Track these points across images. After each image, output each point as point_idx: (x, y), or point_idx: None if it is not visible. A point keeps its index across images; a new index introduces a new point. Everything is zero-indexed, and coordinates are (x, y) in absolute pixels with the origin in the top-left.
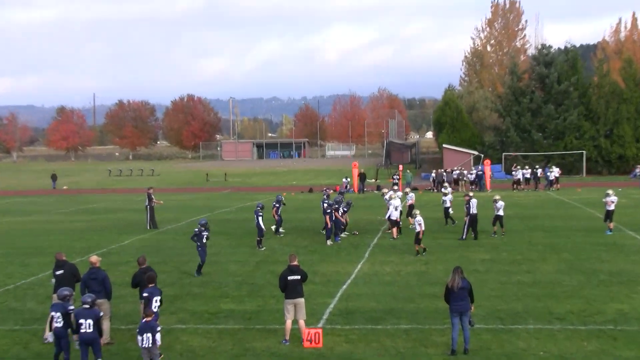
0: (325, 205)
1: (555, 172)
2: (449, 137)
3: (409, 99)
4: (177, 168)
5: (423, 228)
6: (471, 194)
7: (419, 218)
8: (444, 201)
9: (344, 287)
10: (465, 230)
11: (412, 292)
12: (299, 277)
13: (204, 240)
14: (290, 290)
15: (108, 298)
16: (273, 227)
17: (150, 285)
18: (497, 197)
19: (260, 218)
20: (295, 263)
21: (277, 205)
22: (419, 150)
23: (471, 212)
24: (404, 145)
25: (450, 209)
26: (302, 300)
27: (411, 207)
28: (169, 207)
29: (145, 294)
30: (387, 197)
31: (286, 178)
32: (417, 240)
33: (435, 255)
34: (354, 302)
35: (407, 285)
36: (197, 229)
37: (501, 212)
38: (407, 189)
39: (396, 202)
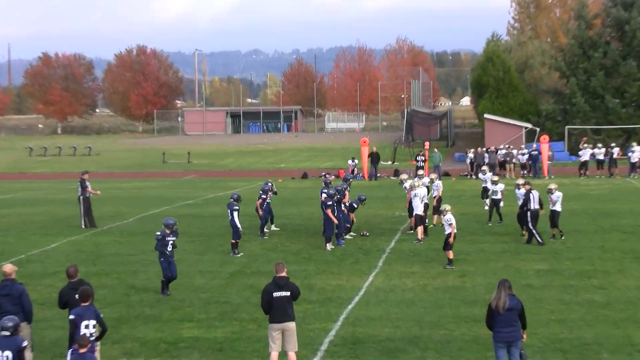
0: (325, 196)
1: (637, 152)
2: (493, 104)
3: (439, 52)
4: (123, 145)
5: (455, 229)
6: (520, 181)
7: (449, 216)
8: (495, 191)
9: (350, 307)
10: (534, 231)
11: (442, 314)
12: (288, 293)
13: (170, 249)
14: (277, 311)
15: (28, 321)
16: (273, 227)
17: (83, 304)
18: (553, 186)
19: (235, 214)
20: (284, 274)
21: (264, 196)
22: (452, 123)
23: (532, 206)
24: (432, 116)
25: (501, 202)
26: (292, 325)
27: (439, 200)
28: (111, 199)
29: (71, 316)
30: (407, 185)
31: (272, 160)
32: (447, 246)
33: (474, 265)
34: (363, 328)
35: (436, 305)
36: (159, 233)
37: (558, 207)
38: (433, 175)
39: (421, 191)
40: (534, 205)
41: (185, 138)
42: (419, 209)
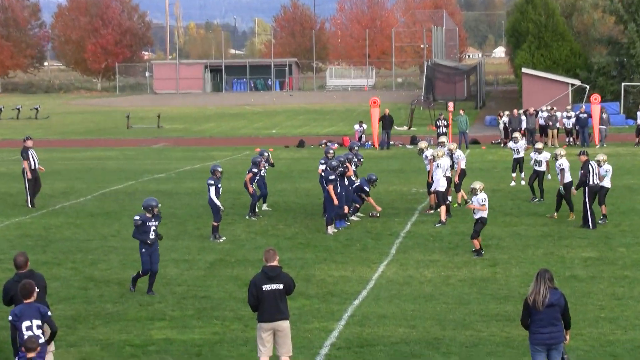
0: (323, 167)
1: None
2: (533, 56)
3: None
4: (78, 106)
5: (486, 211)
6: (561, 151)
7: (481, 196)
8: (538, 161)
9: (356, 303)
10: (590, 211)
11: (468, 312)
12: (280, 286)
13: (152, 237)
14: (267, 308)
15: None
16: (265, 206)
17: (27, 302)
18: (601, 157)
19: (212, 190)
20: (276, 264)
21: (255, 170)
22: (482, 79)
23: (592, 181)
24: (457, 71)
25: (547, 174)
26: (286, 324)
27: (462, 175)
28: (63, 172)
29: (9, 317)
30: (428, 154)
31: (261, 124)
32: (476, 234)
33: (508, 253)
34: (372, 329)
35: (460, 300)
36: (138, 217)
37: (607, 183)
38: (452, 145)
39: (445, 162)
40: (594, 179)
41: (155, 98)
42: (440, 184)
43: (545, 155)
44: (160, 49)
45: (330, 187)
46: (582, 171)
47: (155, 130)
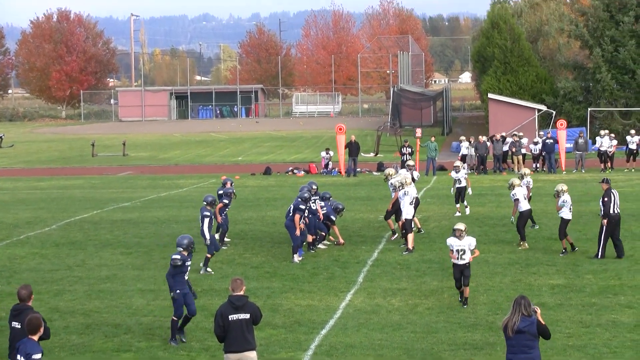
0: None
1: None
2: (499, 81)
3: (432, 17)
4: (43, 135)
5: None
6: (525, 171)
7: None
8: (458, 180)
9: (324, 332)
10: (603, 243)
11: (435, 340)
12: (247, 316)
13: (186, 277)
14: (234, 338)
15: None
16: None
17: (31, 337)
18: (561, 187)
19: (206, 221)
20: (242, 293)
21: (226, 200)
22: (449, 105)
23: (613, 210)
24: (424, 96)
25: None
26: (252, 354)
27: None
28: (28, 201)
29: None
30: (393, 181)
31: (227, 152)
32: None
33: (475, 280)
34: (340, 358)
35: (428, 329)
36: (178, 256)
37: (566, 215)
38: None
39: (412, 190)
40: (614, 208)
41: (120, 125)
42: (408, 213)
43: (463, 173)
44: (125, 75)
45: (297, 217)
46: (605, 199)
47: (120, 158)
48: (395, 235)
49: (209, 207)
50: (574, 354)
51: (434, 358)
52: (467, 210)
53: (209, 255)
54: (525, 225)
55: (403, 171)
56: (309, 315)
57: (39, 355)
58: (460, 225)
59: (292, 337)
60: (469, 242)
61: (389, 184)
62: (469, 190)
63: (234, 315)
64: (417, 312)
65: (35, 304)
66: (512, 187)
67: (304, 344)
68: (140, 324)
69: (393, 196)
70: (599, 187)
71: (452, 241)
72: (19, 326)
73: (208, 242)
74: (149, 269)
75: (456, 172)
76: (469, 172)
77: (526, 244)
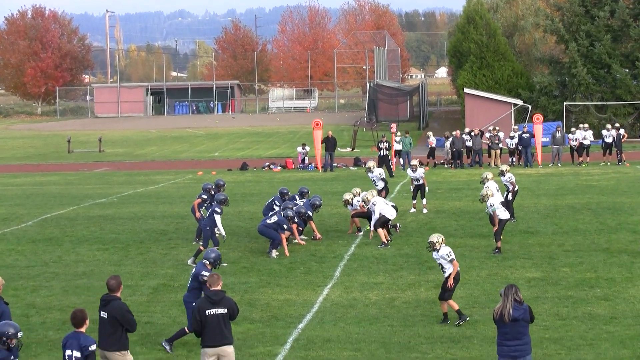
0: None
1: None
2: (475, 76)
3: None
4: (18, 131)
5: (457, 268)
6: (504, 167)
7: (444, 250)
8: (416, 178)
9: (301, 326)
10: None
11: (413, 334)
12: (224, 310)
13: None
14: (211, 332)
15: None
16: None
17: (77, 330)
18: (486, 191)
19: (218, 219)
20: (219, 288)
21: (205, 196)
22: (426, 100)
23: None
24: (400, 91)
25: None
26: (230, 349)
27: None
28: (3, 198)
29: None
30: (376, 174)
31: (203, 147)
32: (445, 293)
33: None
34: (317, 352)
35: (405, 322)
36: (208, 273)
37: (502, 215)
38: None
39: (380, 201)
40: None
41: (95, 121)
42: (388, 214)
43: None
44: (101, 72)
45: (295, 226)
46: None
47: (96, 154)
48: (360, 233)
49: (218, 205)
50: (551, 346)
51: (411, 351)
52: (425, 210)
53: (202, 248)
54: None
55: (379, 170)
56: (286, 310)
57: (93, 347)
58: (434, 237)
59: (269, 332)
60: (445, 253)
61: (371, 177)
62: (426, 189)
63: (211, 310)
64: (394, 305)
65: (12, 300)
66: (486, 197)
67: (282, 338)
68: None
69: (357, 209)
70: (576, 180)
71: (434, 255)
72: (106, 316)
73: (224, 237)
74: (125, 265)
75: (413, 171)
76: (446, 167)
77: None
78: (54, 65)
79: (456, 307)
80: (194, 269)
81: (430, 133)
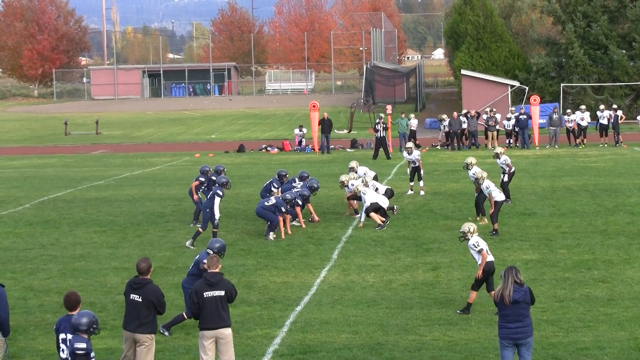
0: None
1: None
2: (472, 58)
3: None
4: (15, 114)
5: (487, 256)
6: (499, 150)
7: (473, 240)
8: (413, 161)
9: (299, 309)
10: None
11: (410, 316)
12: (222, 293)
13: None
14: (209, 315)
15: (2, 332)
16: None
17: (70, 313)
18: (480, 173)
19: (217, 200)
20: (217, 270)
21: (202, 179)
22: (422, 81)
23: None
24: (397, 73)
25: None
26: (227, 331)
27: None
28: (0, 180)
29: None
30: (349, 186)
31: (200, 129)
32: (476, 284)
33: (449, 256)
34: (314, 334)
35: (403, 305)
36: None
37: (498, 196)
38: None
39: (369, 191)
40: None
41: (92, 104)
42: (383, 202)
43: (416, 154)
44: (98, 54)
45: (298, 209)
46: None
47: (93, 136)
48: (358, 215)
49: (219, 187)
50: (548, 328)
51: (408, 334)
52: (422, 192)
53: (200, 230)
54: (484, 201)
55: (363, 169)
56: (283, 292)
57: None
58: (464, 227)
59: (267, 314)
60: (475, 243)
61: (347, 189)
62: (422, 172)
63: (208, 292)
64: (391, 288)
65: (10, 282)
66: (481, 180)
67: (279, 321)
68: (115, 302)
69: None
70: (573, 162)
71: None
72: (140, 299)
73: (217, 221)
74: (123, 247)
75: (408, 153)
76: (443, 148)
77: (485, 219)
78: (50, 48)
79: (471, 300)
80: (197, 255)
81: (412, 115)
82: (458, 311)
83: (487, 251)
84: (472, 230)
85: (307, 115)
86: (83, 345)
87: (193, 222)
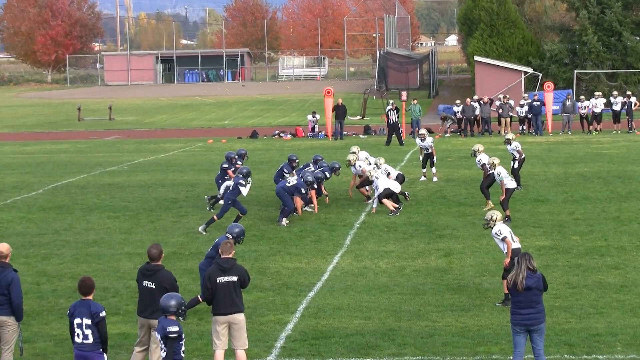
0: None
1: None
2: (485, 44)
3: None
4: (28, 99)
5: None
6: (510, 135)
7: (496, 228)
8: (425, 147)
9: (311, 295)
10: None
11: (423, 302)
12: (235, 278)
13: None
14: (222, 300)
15: (16, 317)
16: (206, 197)
17: (84, 298)
18: (494, 160)
19: (244, 190)
20: (230, 256)
21: (226, 165)
22: (435, 68)
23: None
24: (410, 59)
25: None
26: (241, 317)
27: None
28: (14, 166)
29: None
30: (357, 167)
31: (213, 115)
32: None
33: (462, 242)
34: (327, 320)
35: (415, 291)
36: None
37: (510, 184)
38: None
39: (382, 176)
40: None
41: (106, 89)
42: (395, 187)
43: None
44: (111, 40)
45: (313, 192)
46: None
47: (106, 122)
48: (370, 200)
49: (242, 178)
50: (561, 314)
51: (421, 320)
52: (435, 179)
53: (215, 218)
54: (489, 187)
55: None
56: (296, 278)
57: (104, 313)
58: (487, 215)
59: (279, 300)
60: (498, 231)
61: (353, 169)
62: (435, 158)
63: (221, 278)
64: (404, 274)
65: (23, 267)
66: (492, 167)
67: (292, 307)
68: (128, 287)
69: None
70: (586, 148)
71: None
72: (153, 286)
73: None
74: (136, 233)
75: (421, 140)
76: (456, 133)
77: (490, 203)
78: (64, 33)
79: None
80: (217, 239)
81: (458, 101)
82: (497, 303)
83: (511, 238)
84: (495, 218)
85: (321, 102)
86: (176, 328)
87: (209, 206)
